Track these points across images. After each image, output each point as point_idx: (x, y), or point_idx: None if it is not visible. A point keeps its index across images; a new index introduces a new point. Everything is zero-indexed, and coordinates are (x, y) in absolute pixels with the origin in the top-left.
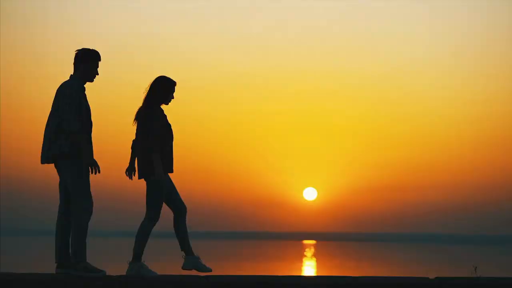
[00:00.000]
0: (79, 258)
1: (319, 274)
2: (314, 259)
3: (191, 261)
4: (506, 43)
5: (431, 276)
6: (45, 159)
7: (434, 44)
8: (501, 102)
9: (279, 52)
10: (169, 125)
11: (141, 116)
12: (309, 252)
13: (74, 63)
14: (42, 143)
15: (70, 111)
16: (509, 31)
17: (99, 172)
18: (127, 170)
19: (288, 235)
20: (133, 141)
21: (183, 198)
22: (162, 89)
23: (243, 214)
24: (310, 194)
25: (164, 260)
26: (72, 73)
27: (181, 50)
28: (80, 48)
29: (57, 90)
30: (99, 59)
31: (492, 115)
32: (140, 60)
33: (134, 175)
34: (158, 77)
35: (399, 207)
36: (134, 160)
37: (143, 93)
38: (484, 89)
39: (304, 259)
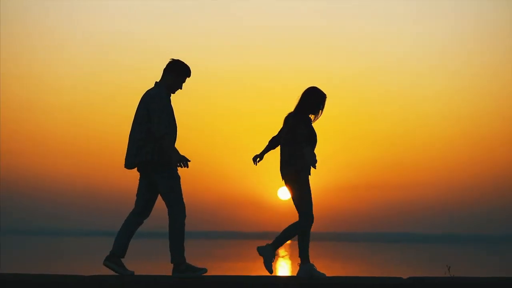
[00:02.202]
0: (178, 260)
1: (293, 274)
2: (289, 259)
3: (306, 269)
4: (483, 42)
5: (405, 276)
6: (131, 165)
7: (408, 45)
8: (476, 101)
9: (256, 52)
10: (315, 133)
11: (289, 123)
12: (283, 252)
13: (163, 71)
14: (126, 148)
15: (160, 118)
16: (490, 30)
17: (187, 166)
18: (255, 156)
19: (263, 235)
20: (273, 137)
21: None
22: (312, 100)
23: (218, 214)
24: (284, 194)
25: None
26: (157, 81)
27: (158, 49)
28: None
29: (142, 98)
30: (188, 75)
31: (467, 115)
32: (118, 59)
33: (257, 163)
34: (311, 88)
35: (372, 206)
36: (266, 152)
37: (296, 100)
38: (458, 88)
39: (279, 259)
